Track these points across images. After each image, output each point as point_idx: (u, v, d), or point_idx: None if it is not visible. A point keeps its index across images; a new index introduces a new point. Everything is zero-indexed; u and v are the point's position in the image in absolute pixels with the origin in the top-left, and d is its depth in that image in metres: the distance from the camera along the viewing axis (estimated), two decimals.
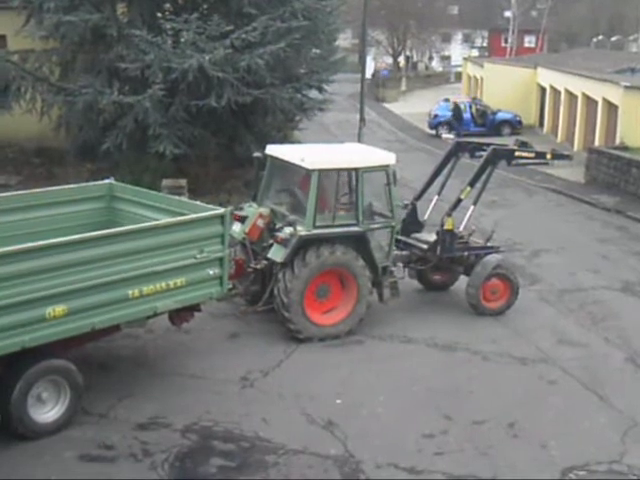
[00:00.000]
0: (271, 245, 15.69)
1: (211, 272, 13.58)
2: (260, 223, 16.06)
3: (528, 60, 63.42)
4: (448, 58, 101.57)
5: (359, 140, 31.03)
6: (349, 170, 16.04)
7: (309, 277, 15.51)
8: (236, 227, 16.24)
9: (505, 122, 49.18)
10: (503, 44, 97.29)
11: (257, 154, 17.27)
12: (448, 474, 11.50)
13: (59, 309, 11.59)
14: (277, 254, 15.46)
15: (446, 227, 17.55)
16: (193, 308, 14.04)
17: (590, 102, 40.63)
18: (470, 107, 49.60)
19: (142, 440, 11.95)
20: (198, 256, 13.27)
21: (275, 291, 15.56)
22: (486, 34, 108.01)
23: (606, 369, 15.37)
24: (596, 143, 37.44)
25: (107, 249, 12.13)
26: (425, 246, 17.80)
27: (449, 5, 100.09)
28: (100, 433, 12.05)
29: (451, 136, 47.16)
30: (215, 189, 23.92)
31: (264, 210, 16.28)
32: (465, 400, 13.83)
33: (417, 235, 18.25)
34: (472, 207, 18.19)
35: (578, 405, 13.86)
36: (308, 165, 15.59)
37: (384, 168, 16.32)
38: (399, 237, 17.63)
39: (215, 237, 13.57)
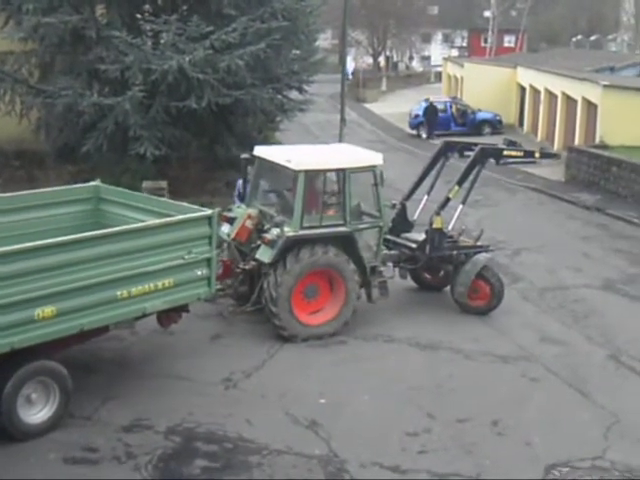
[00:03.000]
0: (259, 246, 15.71)
1: (199, 273, 13.61)
2: (248, 224, 16.07)
3: (508, 60, 63.66)
4: (428, 58, 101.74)
5: (340, 141, 30.99)
6: (336, 171, 16.06)
7: (297, 277, 15.53)
8: (225, 228, 16.31)
9: (485, 122, 49.34)
10: (483, 44, 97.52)
11: (245, 155, 17.33)
12: (432, 472, 11.51)
13: (48, 310, 11.59)
14: (264, 255, 15.50)
15: (435, 226, 17.57)
16: (181, 309, 14.07)
17: (570, 101, 40.81)
18: (450, 107, 49.73)
19: (125, 442, 11.92)
20: (186, 257, 13.29)
21: (263, 292, 15.58)
22: (466, 34, 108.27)
23: (588, 366, 15.44)
24: (576, 142, 37.61)
25: (96, 250, 12.17)
26: (414, 245, 17.81)
27: (429, 5, 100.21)
28: (84, 435, 12.02)
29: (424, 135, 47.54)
30: (196, 191, 23.85)
31: (252, 211, 16.29)
32: (448, 399, 13.86)
33: (407, 235, 18.26)
34: (461, 206, 18.23)
35: (561, 402, 13.92)
36: (295, 166, 15.62)
37: (371, 168, 16.37)
38: (389, 237, 17.69)
39: (203, 238, 13.60)
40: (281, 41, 23.62)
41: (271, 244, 15.41)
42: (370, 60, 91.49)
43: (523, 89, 51.53)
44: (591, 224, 27.05)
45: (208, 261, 13.72)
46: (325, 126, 47.93)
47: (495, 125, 49.29)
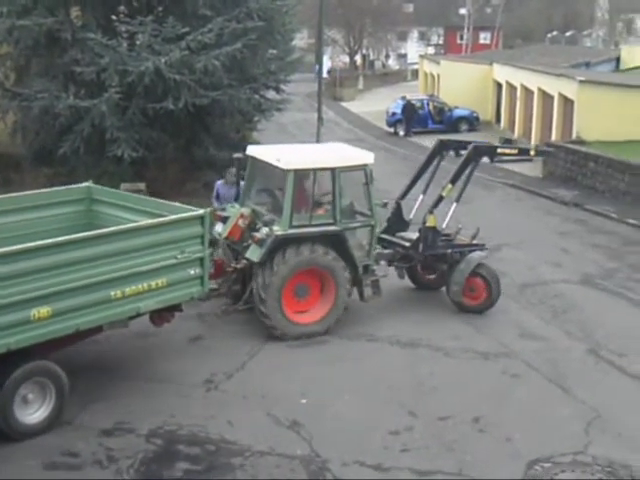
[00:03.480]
0: (249, 245, 15.78)
1: (192, 272, 13.70)
2: (241, 223, 16.14)
3: (484, 56, 63.85)
4: (404, 56, 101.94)
5: (318, 140, 30.98)
6: (325, 170, 15.99)
7: (286, 276, 15.57)
8: (218, 227, 16.49)
9: (462, 119, 49.51)
10: (459, 41, 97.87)
11: (237, 155, 17.44)
12: (414, 470, 11.53)
13: (44, 311, 11.70)
14: (254, 254, 15.55)
15: (428, 224, 17.56)
16: (174, 308, 14.15)
17: (546, 97, 40.96)
18: (427, 104, 49.86)
19: (107, 446, 11.86)
20: (179, 256, 13.39)
21: (254, 289, 15.66)
22: (442, 31, 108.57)
23: (568, 361, 15.49)
24: (553, 138, 37.76)
25: (90, 251, 12.27)
26: (407, 244, 17.81)
27: (404, 3, 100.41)
28: (65, 440, 11.95)
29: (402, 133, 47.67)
30: (174, 192, 23.71)
31: (245, 210, 16.36)
32: (429, 396, 13.88)
33: (402, 234, 18.26)
34: (454, 204, 18.14)
35: (542, 398, 13.96)
36: (284, 165, 15.63)
37: (362, 167, 16.36)
38: (384, 236, 17.76)
39: (195, 238, 13.70)
40: (257, 41, 23.60)
41: (260, 243, 15.49)
42: (347, 59, 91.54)
43: (499, 86, 51.69)
44: (569, 220, 27.16)
45: (201, 260, 13.81)
46: (302, 125, 47.87)
47: (472, 122, 49.47)
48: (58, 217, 15.06)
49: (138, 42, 22.72)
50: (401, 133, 48.01)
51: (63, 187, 16.13)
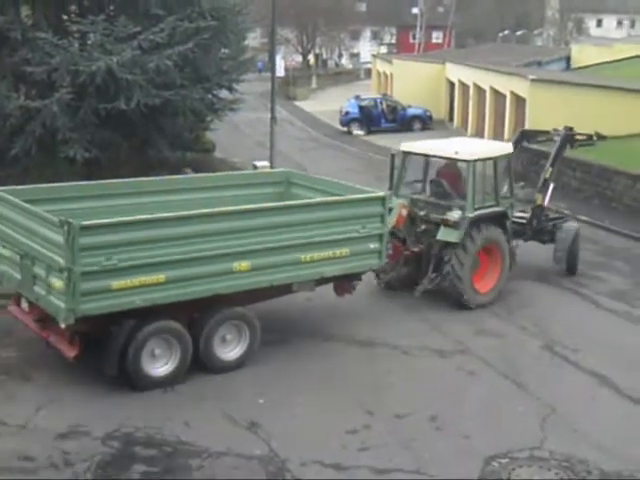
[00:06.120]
0: (424, 230, 18.03)
1: (372, 246, 15.68)
2: (404, 212, 17.91)
3: (436, 56, 64.23)
4: (357, 55, 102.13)
5: (271, 139, 30.91)
6: (494, 159, 18.45)
7: (474, 253, 17.85)
8: None
9: (416, 117, 49.78)
10: (411, 40, 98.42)
11: (393, 151, 19.28)
12: (373, 469, 11.55)
13: (244, 264, 13.97)
14: (450, 235, 17.59)
15: (537, 203, 20.70)
16: (354, 278, 16.06)
17: (498, 96, 41.26)
18: (381, 103, 49.98)
19: (63, 450, 11.74)
20: (360, 231, 15.39)
21: (450, 269, 17.60)
22: (394, 31, 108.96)
23: (523, 357, 15.62)
24: (505, 136, 38.03)
25: (285, 218, 14.52)
26: (524, 221, 20.58)
27: (357, 2, 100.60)
28: (20, 444, 11.82)
29: (362, 132, 47.73)
30: None
31: (403, 201, 18.15)
32: (386, 394, 13.92)
33: None
34: (552, 185, 21.13)
35: (498, 394, 14.06)
36: (466, 157, 17.94)
37: (508, 156, 19.11)
38: None
39: (376, 216, 15.67)
40: (210, 40, 23.47)
41: (456, 225, 17.48)
42: (299, 58, 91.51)
43: (452, 85, 51.97)
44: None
45: (380, 236, 15.77)
46: (256, 124, 47.62)
47: (425, 121, 49.74)
48: (262, 195, 17.16)
49: (89, 42, 22.46)
50: (354, 132, 48.04)
51: (268, 170, 18.37)
